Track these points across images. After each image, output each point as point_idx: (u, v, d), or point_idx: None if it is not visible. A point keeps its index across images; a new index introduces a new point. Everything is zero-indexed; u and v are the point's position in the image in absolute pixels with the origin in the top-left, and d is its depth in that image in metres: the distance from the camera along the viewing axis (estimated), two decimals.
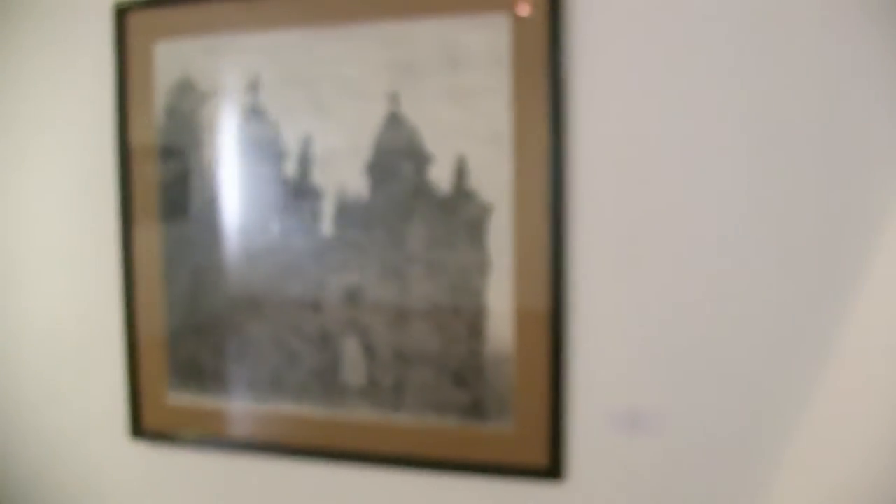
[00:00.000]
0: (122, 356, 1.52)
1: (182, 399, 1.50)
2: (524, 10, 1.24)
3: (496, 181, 1.29)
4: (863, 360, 1.15)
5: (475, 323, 1.32)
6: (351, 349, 1.39)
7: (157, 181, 1.47)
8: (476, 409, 1.33)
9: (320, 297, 1.40)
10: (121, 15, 1.46)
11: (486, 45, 1.27)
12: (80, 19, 1.50)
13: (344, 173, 1.36)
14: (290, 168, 1.39)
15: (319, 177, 1.38)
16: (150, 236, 1.49)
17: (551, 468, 1.30)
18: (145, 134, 1.47)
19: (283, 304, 1.42)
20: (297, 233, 1.40)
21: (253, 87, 1.41)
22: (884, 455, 1.15)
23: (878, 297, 1.14)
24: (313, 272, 1.40)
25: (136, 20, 1.46)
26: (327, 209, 1.38)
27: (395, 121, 1.33)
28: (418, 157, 1.32)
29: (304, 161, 1.38)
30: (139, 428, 1.53)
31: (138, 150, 1.48)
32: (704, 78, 1.20)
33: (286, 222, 1.41)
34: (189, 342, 1.49)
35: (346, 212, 1.37)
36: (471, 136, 1.29)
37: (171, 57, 1.45)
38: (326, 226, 1.38)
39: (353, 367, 1.39)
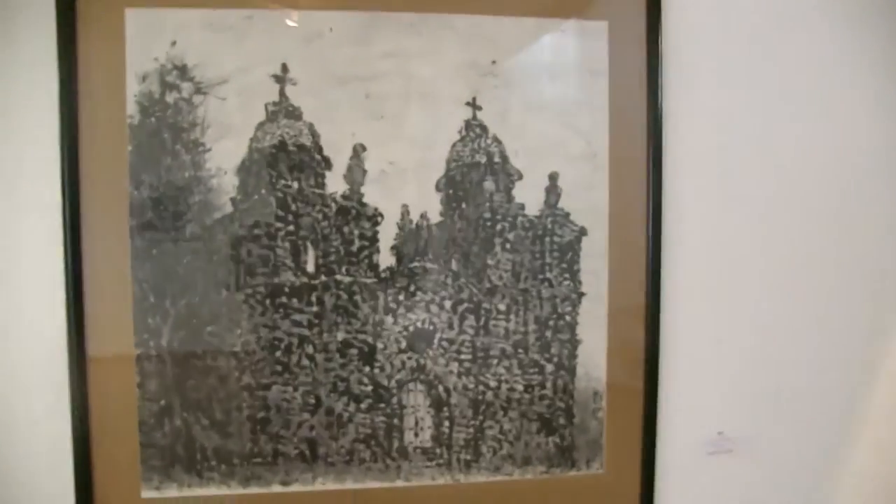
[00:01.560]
0: (69, 445, 1.11)
1: (165, 493, 1.15)
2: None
3: (591, 202, 1.21)
4: None
5: (566, 361, 1.23)
6: (415, 404, 1.20)
7: (128, 197, 1.11)
8: (564, 456, 1.24)
9: (375, 344, 1.18)
10: None
11: (584, 51, 1.20)
12: None
13: (408, 191, 1.17)
14: (334, 183, 1.15)
15: (376, 195, 1.16)
16: (111, 273, 1.11)
17: None
18: (107, 135, 1.10)
19: (319, 356, 1.17)
20: (342, 265, 1.16)
21: (280, 78, 1.14)
22: None
23: None
24: (365, 314, 1.17)
25: None
26: (385, 235, 1.17)
27: (474, 132, 1.19)
28: (504, 175, 1.20)
29: (355, 175, 1.16)
30: None
31: (94, 157, 1.09)
32: (797, 94, 1.28)
33: (328, 252, 1.16)
34: (175, 416, 1.15)
35: (412, 238, 1.17)
36: (563, 151, 1.20)
37: (150, 30, 1.10)
38: (384, 255, 1.17)
39: (418, 425, 1.20)
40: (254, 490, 1.17)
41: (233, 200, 1.13)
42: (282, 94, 1.14)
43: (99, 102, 1.10)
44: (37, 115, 1.09)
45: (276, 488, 1.17)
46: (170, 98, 1.12)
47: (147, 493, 1.15)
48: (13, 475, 1.13)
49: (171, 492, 1.15)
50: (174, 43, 1.11)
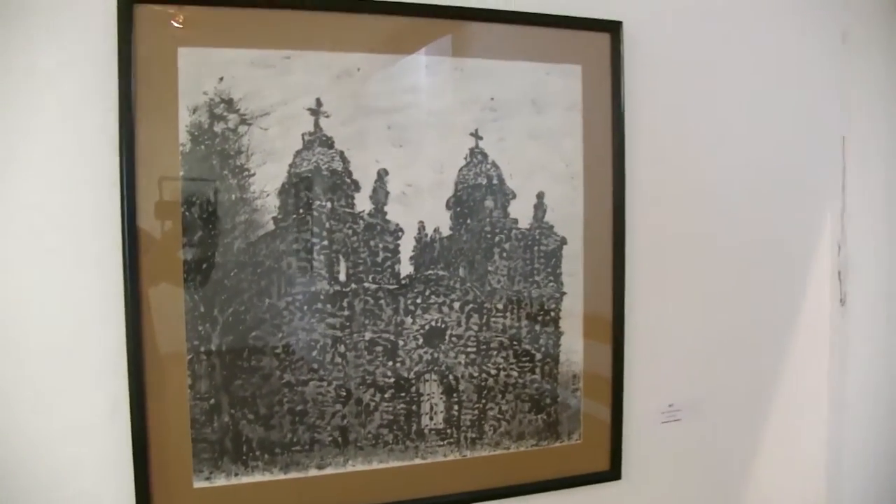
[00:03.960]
0: (128, 443, 1.29)
1: (215, 483, 1.35)
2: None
3: (570, 215, 1.55)
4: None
5: (551, 350, 1.55)
6: (431, 392, 1.47)
7: (181, 217, 1.30)
8: (550, 430, 1.56)
9: (396, 341, 1.44)
10: (126, 3, 1.25)
11: (563, 91, 1.52)
12: (76, 9, 1.23)
13: (423, 209, 1.44)
14: (362, 203, 1.40)
15: (397, 213, 1.42)
16: (164, 284, 1.30)
17: (612, 471, 1.62)
18: (162, 162, 1.29)
19: (352, 353, 1.41)
20: (369, 274, 1.41)
21: (315, 112, 1.36)
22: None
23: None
24: (389, 315, 1.43)
25: (149, 15, 1.26)
26: (405, 247, 1.43)
27: (477, 158, 1.47)
28: (501, 194, 1.49)
29: (379, 196, 1.41)
30: None
31: (150, 183, 1.28)
32: (731, 127, 1.70)
33: (357, 263, 1.40)
34: (223, 413, 1.35)
35: (427, 249, 1.44)
36: (548, 173, 1.52)
37: (200, 67, 1.30)
38: (404, 265, 1.43)
39: (433, 410, 1.47)
40: (293, 475, 1.40)
41: (274, 219, 1.36)
42: (316, 125, 1.38)
43: (154, 133, 1.29)
44: (97, 148, 1.27)
45: (313, 472, 1.41)
46: (217, 128, 1.33)
47: (198, 484, 1.35)
48: (79, 471, 1.30)
49: (220, 481, 1.36)
50: (221, 79, 1.32)
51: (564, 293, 1.56)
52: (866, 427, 1.83)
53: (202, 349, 1.34)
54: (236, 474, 1.37)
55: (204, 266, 1.33)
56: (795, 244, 1.81)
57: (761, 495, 1.80)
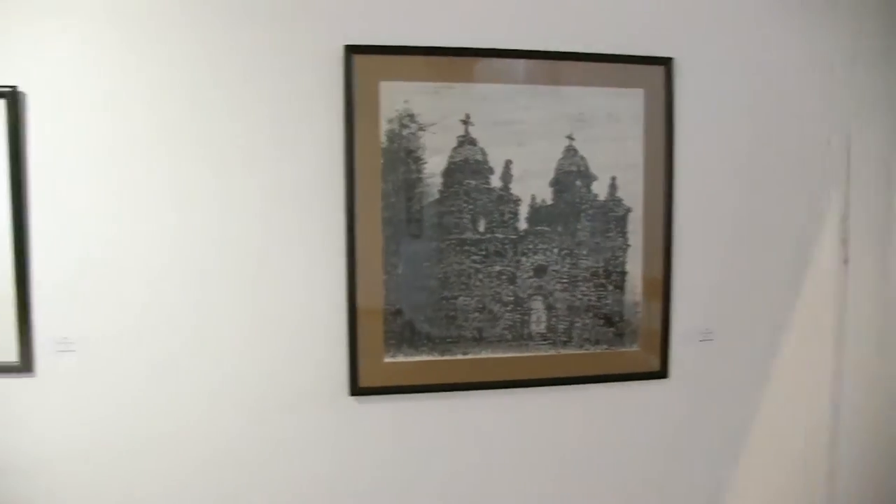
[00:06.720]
0: (345, 331, 2.13)
1: (397, 359, 2.16)
2: None
3: (634, 193, 2.30)
4: None
5: (619, 283, 2.30)
6: (537, 307, 2.23)
7: (380, 189, 2.11)
8: (617, 339, 2.32)
9: (515, 273, 2.21)
10: (349, 54, 2.07)
11: (630, 107, 2.26)
12: (313, 55, 2.10)
13: (534, 186, 2.22)
14: (495, 182, 2.18)
15: (516, 188, 2.20)
16: (371, 232, 2.12)
17: (661, 371, 2.36)
18: (370, 154, 2.12)
19: (486, 279, 2.19)
20: (499, 228, 2.19)
21: (465, 122, 2.15)
22: None
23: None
24: (511, 255, 2.21)
25: (362, 61, 2.08)
26: (522, 211, 2.21)
27: (570, 153, 2.22)
28: (586, 177, 2.24)
29: (506, 177, 2.19)
30: (357, 386, 2.15)
31: (363, 168, 2.11)
32: (756, 131, 2.39)
33: (491, 220, 2.18)
34: (405, 314, 2.15)
35: (536, 213, 2.22)
36: (619, 164, 2.27)
37: (393, 93, 2.12)
38: (521, 223, 2.21)
39: (538, 320, 2.24)
40: (447, 357, 2.22)
41: (439, 192, 2.16)
42: (466, 131, 2.17)
43: (366, 135, 2.12)
44: (327, 145, 2.11)
45: (459, 356, 2.23)
46: (404, 133, 2.14)
47: (387, 359, 2.18)
48: (314, 351, 2.16)
49: (401, 358, 2.19)
50: (406, 101, 2.14)
51: (629, 245, 2.31)
52: (864, 353, 2.50)
53: (393, 273, 2.15)
54: (411, 354, 2.19)
55: (394, 220, 2.14)
56: (807, 219, 2.49)
57: (774, 403, 2.51)
